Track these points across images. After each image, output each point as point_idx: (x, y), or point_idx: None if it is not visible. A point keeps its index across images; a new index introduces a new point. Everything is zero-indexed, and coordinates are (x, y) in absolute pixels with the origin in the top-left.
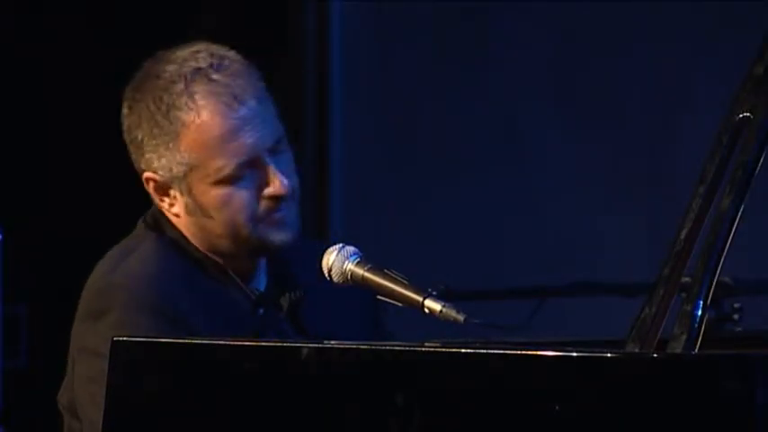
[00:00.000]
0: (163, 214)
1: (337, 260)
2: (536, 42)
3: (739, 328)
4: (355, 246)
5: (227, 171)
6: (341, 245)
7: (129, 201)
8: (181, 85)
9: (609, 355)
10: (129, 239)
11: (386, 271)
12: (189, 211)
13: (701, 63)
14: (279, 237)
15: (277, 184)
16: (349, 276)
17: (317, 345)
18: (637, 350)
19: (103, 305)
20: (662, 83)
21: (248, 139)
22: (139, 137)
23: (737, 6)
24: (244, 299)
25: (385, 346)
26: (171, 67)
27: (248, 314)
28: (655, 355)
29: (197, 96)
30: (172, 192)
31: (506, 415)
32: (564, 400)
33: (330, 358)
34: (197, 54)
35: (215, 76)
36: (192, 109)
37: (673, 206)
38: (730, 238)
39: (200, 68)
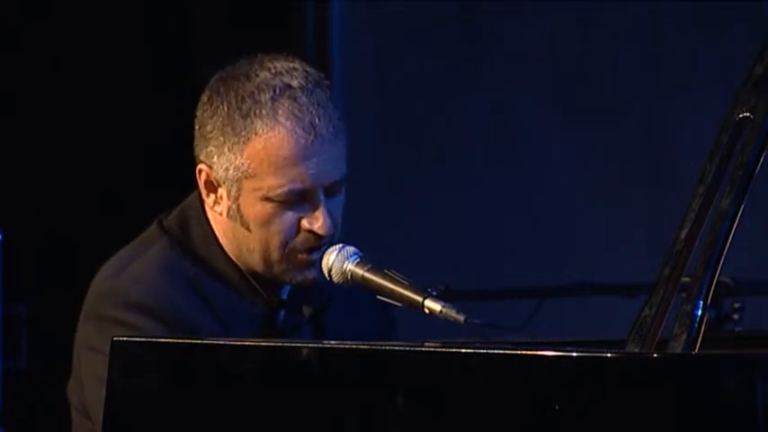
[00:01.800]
0: (197, 212)
1: (337, 260)
2: (535, 43)
3: (739, 328)
4: (355, 246)
5: (278, 192)
6: (341, 245)
7: (130, 201)
8: (267, 96)
9: (609, 355)
10: (138, 241)
11: (386, 271)
12: (230, 216)
13: (701, 63)
14: (302, 276)
15: (321, 223)
16: (349, 276)
17: (317, 345)
18: (637, 350)
19: (107, 309)
20: (661, 83)
21: (310, 169)
22: (209, 128)
23: (738, 6)
24: (262, 305)
25: (385, 346)
26: (263, 75)
27: (266, 320)
28: (655, 355)
29: (279, 112)
30: (219, 191)
31: (506, 415)
32: (564, 400)
33: (330, 358)
34: (293, 71)
35: (302, 99)
36: (270, 121)
37: (672, 206)
38: (730, 238)
39: (290, 86)
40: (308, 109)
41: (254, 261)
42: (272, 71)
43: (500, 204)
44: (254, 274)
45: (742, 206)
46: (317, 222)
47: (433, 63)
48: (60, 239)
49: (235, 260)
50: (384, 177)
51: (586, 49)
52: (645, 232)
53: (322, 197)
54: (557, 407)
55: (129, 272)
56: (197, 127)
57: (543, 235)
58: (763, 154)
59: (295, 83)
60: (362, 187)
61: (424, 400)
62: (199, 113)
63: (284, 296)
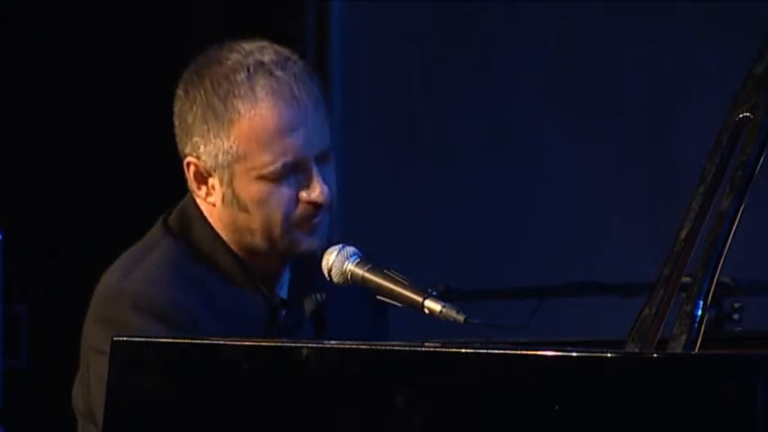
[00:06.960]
0: (195, 211)
1: (337, 260)
2: (536, 42)
3: (739, 328)
4: (355, 246)
5: (272, 168)
6: (341, 245)
7: (130, 201)
8: (243, 75)
9: (609, 355)
10: (144, 242)
11: (386, 271)
12: (225, 203)
13: (701, 63)
14: (308, 243)
15: (317, 191)
16: (349, 276)
17: (317, 345)
18: (637, 350)
19: (115, 312)
20: (662, 83)
21: (299, 140)
22: (190, 120)
23: (738, 6)
24: (264, 303)
25: (385, 346)
26: (235, 56)
27: (269, 318)
28: (655, 355)
29: (257, 88)
30: (211, 180)
31: (506, 415)
32: (564, 400)
33: (330, 358)
34: (263, 49)
35: (278, 73)
36: (250, 99)
37: (673, 206)
38: (730, 238)
39: (263, 62)
40: (285, 81)
41: (257, 242)
42: (242, 52)
43: (500, 204)
44: (258, 261)
45: (742, 206)
46: (315, 192)
47: (433, 63)
48: (60, 239)
49: (238, 252)
50: (384, 177)
51: (586, 49)
52: (645, 232)
53: (314, 166)
54: (557, 407)
55: (137, 273)
56: (177, 122)
57: (543, 235)
58: (763, 154)
59: (266, 59)
60: (362, 187)
61: (424, 400)
62: (177, 108)
63: (284, 295)
